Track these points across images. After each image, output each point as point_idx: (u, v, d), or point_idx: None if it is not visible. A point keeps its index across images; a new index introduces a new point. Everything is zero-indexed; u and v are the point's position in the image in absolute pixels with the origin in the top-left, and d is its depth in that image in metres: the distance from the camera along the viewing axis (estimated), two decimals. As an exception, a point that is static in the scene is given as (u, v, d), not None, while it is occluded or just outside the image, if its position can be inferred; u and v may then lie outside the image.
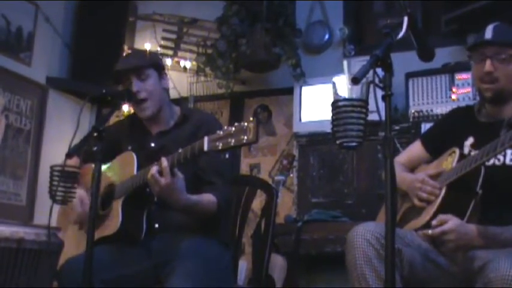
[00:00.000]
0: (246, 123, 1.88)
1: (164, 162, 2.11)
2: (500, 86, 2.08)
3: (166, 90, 2.50)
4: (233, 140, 1.89)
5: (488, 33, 2.10)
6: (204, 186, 2.33)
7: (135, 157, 2.34)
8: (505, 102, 2.12)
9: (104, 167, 2.48)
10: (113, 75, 2.46)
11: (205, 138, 1.98)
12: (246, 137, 1.86)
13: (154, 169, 2.12)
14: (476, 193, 1.97)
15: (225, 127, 1.94)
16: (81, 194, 2.42)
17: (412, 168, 2.33)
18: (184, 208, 2.23)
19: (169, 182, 2.11)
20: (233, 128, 1.91)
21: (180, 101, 2.69)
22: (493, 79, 2.08)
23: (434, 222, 1.93)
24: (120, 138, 2.55)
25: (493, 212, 1.97)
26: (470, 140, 2.16)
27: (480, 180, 1.96)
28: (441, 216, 1.92)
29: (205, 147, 1.97)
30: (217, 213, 2.30)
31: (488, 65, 2.08)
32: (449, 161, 2.10)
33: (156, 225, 2.34)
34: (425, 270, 1.97)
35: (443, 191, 2.03)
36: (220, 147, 1.93)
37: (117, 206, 2.28)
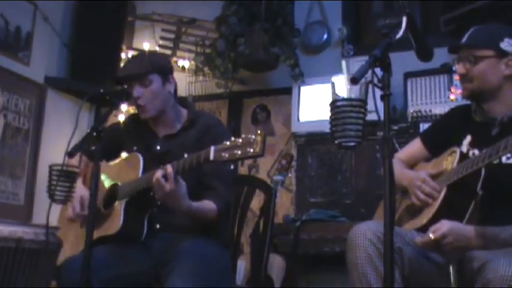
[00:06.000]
0: (253, 136, 1.89)
1: (169, 168, 2.10)
2: (474, 86, 2.14)
3: (172, 93, 2.45)
4: (239, 152, 1.90)
5: (465, 37, 2.18)
6: (205, 191, 2.32)
7: (141, 159, 2.33)
8: (489, 100, 2.14)
9: (109, 166, 2.48)
10: (115, 80, 2.44)
11: (212, 148, 1.98)
12: (252, 150, 1.87)
13: (159, 173, 2.11)
14: (476, 194, 1.96)
15: (233, 138, 1.94)
16: (82, 194, 2.41)
17: (411, 165, 2.33)
18: (185, 214, 2.23)
19: (173, 188, 2.10)
20: (240, 140, 1.91)
21: (188, 103, 2.64)
22: (467, 80, 2.15)
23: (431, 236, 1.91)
24: (123, 137, 2.55)
25: (490, 211, 1.97)
26: (468, 139, 2.17)
27: (480, 180, 1.96)
28: (434, 227, 1.91)
29: (211, 157, 1.97)
30: (217, 220, 2.30)
31: (458, 68, 2.17)
32: (450, 161, 2.10)
33: (158, 226, 2.34)
34: (425, 270, 1.96)
35: (444, 192, 2.02)
36: (226, 158, 1.93)
37: (120, 206, 2.28)
